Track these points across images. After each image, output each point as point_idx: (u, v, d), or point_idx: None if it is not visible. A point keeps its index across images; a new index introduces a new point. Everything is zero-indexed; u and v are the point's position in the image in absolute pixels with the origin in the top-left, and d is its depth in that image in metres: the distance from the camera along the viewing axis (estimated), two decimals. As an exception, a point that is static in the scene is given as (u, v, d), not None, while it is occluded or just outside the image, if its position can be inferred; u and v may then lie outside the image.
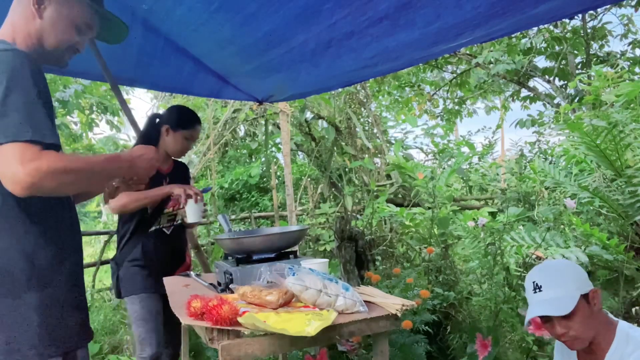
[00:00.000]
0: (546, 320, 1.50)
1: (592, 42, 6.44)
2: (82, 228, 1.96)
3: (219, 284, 1.87)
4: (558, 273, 1.51)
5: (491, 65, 6.30)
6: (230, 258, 1.95)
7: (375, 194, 5.35)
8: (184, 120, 2.44)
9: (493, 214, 5.59)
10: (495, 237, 3.08)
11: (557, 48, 6.36)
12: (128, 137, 8.29)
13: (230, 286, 1.67)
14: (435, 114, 9.09)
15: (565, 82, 6.47)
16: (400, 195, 6.32)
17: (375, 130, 7.48)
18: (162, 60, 2.57)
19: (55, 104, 5.73)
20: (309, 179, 6.95)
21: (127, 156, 1.37)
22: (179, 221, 2.53)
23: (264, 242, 1.88)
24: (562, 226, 3.72)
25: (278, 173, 8.32)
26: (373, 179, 6.61)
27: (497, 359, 2.54)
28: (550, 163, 4.66)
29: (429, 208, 4.19)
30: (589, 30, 6.31)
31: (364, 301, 1.46)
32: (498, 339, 2.53)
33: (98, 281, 5.18)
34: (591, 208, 3.37)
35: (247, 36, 2.22)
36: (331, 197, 6.60)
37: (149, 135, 2.45)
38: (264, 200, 9.49)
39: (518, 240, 3.26)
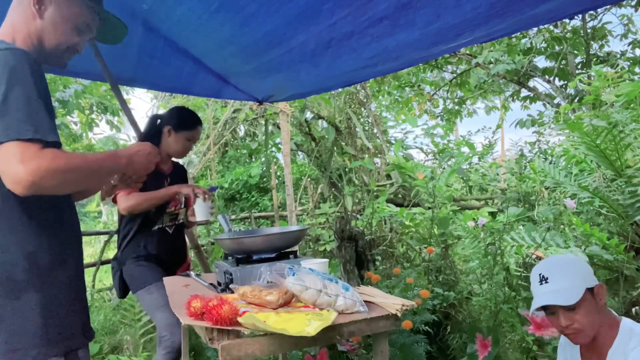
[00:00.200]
0: (551, 312, 1.50)
1: (592, 42, 6.45)
2: (82, 228, 1.96)
3: (219, 284, 1.87)
4: (564, 266, 1.52)
5: (491, 65, 6.30)
6: (230, 258, 1.95)
7: (375, 194, 5.35)
8: (185, 121, 2.47)
9: (493, 214, 5.59)
10: (495, 237, 3.09)
11: (557, 48, 6.36)
12: (128, 137, 8.31)
13: (230, 286, 1.67)
14: (435, 114, 9.10)
15: (565, 82, 6.47)
16: (400, 195, 6.31)
17: (375, 130, 7.47)
18: (162, 60, 2.57)
19: (55, 104, 5.73)
20: (309, 179, 6.95)
21: (125, 152, 1.38)
22: (180, 220, 2.57)
23: (264, 242, 1.88)
24: (562, 226, 3.73)
25: (278, 173, 8.32)
26: (373, 179, 6.61)
27: (497, 359, 2.54)
28: (550, 163, 4.66)
29: (429, 208, 4.19)
30: (589, 30, 6.31)
31: (364, 301, 1.46)
32: (498, 339, 2.54)
33: (98, 281, 5.17)
34: (591, 208, 3.37)
35: (247, 36, 2.22)
36: (331, 197, 6.59)
37: (150, 136, 2.47)
38: (264, 200, 9.50)
39: (518, 240, 3.26)
